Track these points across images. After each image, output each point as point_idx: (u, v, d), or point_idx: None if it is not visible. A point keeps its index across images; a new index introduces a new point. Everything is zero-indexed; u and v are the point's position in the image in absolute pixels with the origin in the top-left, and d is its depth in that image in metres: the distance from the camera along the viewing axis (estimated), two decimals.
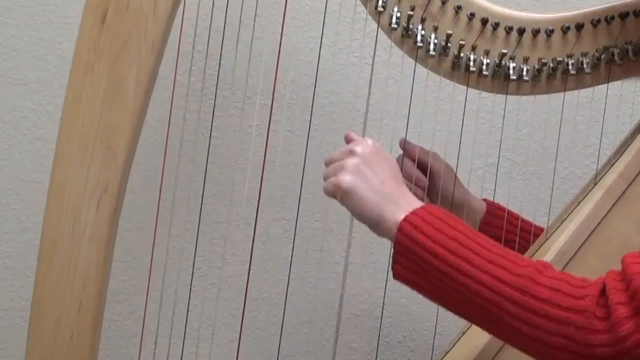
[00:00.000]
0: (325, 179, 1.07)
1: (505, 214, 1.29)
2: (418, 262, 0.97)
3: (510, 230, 1.28)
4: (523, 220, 1.29)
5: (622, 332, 0.86)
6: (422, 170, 1.26)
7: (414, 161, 1.25)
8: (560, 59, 1.18)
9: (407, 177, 1.21)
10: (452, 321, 1.36)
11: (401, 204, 1.01)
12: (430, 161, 1.25)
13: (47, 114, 1.57)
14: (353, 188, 1.02)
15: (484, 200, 1.33)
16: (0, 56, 1.56)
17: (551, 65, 1.18)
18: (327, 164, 1.09)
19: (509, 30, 1.16)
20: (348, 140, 1.11)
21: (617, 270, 0.91)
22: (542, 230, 1.26)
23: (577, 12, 1.18)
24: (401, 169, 1.16)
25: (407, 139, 1.28)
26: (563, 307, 0.89)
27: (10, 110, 1.57)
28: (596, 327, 0.88)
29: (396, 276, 1.00)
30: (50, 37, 1.57)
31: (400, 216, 0.99)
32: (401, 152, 1.28)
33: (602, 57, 1.19)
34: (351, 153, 1.06)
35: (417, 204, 1.01)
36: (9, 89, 1.57)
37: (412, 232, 0.97)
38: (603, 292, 0.89)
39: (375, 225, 1.02)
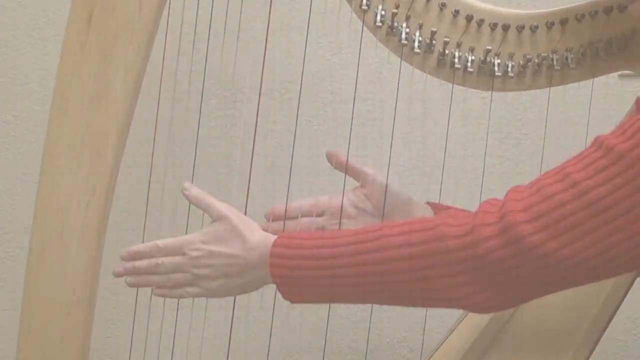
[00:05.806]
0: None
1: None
2: (299, 277, 1.01)
3: None
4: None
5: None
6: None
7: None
8: (545, 54, 1.17)
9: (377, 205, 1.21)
10: (451, 321, 1.36)
11: (256, 253, 1.03)
12: (361, 185, 1.24)
13: (47, 114, 1.56)
14: (210, 293, 1.07)
15: (428, 203, 1.31)
16: (0, 56, 1.57)
17: (536, 61, 1.18)
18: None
19: (493, 26, 1.16)
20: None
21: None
22: None
23: (561, 7, 1.17)
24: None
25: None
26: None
27: (10, 110, 1.57)
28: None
29: (295, 301, 1.03)
30: (50, 37, 1.57)
31: (265, 262, 1.02)
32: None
33: (587, 52, 1.18)
34: (180, 266, 1.07)
35: (269, 239, 1.04)
36: (9, 88, 1.57)
37: (279, 261, 1.01)
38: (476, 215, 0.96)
39: (259, 285, 1.06)
